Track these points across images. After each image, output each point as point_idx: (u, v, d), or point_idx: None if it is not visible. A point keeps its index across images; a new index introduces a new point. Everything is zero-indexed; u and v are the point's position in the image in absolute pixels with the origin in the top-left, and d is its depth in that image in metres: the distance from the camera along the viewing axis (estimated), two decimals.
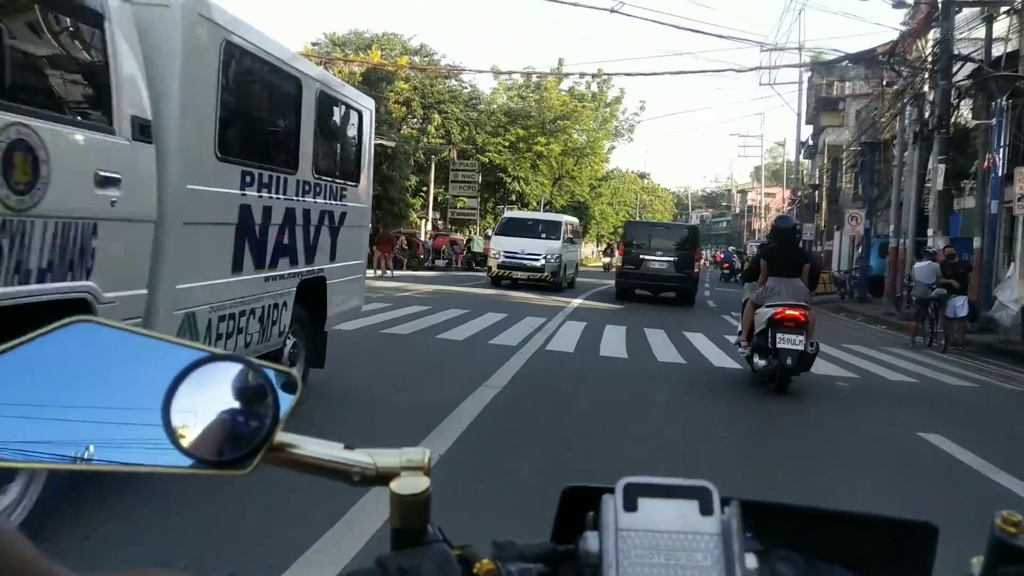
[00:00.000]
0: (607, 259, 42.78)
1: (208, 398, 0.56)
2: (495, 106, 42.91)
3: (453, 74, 40.17)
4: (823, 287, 24.99)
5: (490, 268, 23.10)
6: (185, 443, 0.55)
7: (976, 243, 17.29)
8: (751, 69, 36.55)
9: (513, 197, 41.36)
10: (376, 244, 25.82)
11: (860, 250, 24.95)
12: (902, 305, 18.88)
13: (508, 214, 27.90)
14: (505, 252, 22.24)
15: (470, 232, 40.51)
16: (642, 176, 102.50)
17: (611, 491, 0.55)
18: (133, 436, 0.56)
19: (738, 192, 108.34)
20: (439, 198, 40.40)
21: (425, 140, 38.53)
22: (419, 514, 0.58)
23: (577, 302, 18.13)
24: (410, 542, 0.57)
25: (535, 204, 43.93)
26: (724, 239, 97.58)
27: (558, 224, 23.70)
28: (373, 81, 36.42)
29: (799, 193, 50.22)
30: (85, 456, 0.55)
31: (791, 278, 7.64)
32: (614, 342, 11.02)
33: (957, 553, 0.63)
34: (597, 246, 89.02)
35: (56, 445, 0.55)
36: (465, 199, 40.44)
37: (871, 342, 13.73)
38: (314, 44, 36.94)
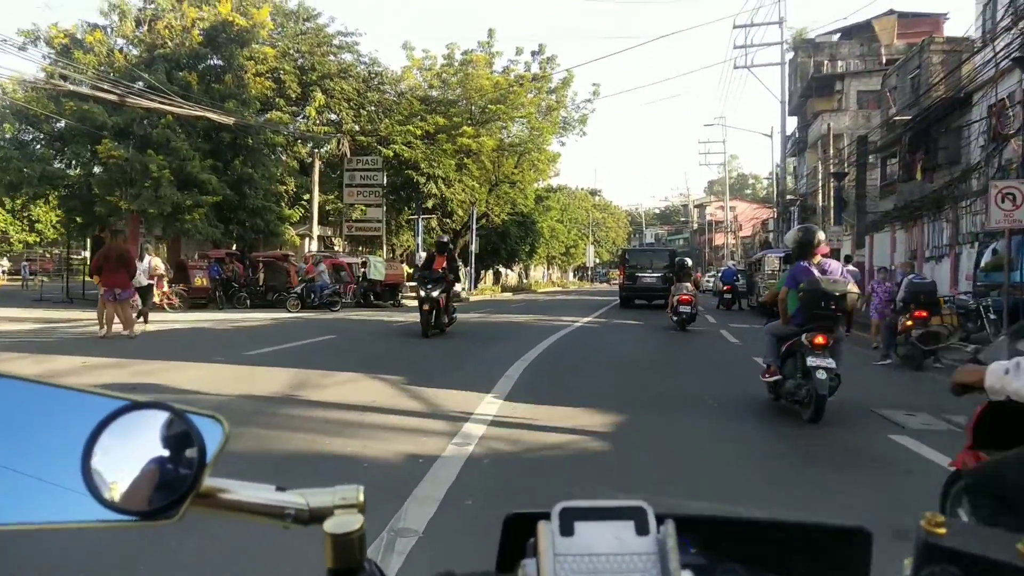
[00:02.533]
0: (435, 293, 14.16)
1: (132, 447, 0.54)
2: (404, 85, 31.50)
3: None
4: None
5: None
6: (109, 495, 0.53)
7: None
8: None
9: (429, 203, 29.73)
10: (106, 267, 12.13)
11: (979, 254, 14.00)
12: None
13: None
14: None
15: (368, 254, 28.83)
16: (593, 193, 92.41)
17: (549, 517, 0.53)
18: (54, 492, 0.52)
19: (695, 207, 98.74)
20: (328, 207, 28.78)
21: (303, 127, 26.92)
22: (354, 552, 0.56)
23: (488, 414, 6.65)
24: None
25: (461, 214, 32.42)
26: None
27: None
28: (221, 43, 24.80)
29: (792, 196, 39.78)
30: (7, 515, 0.52)
31: (684, 283, 16.11)
32: None
33: None
34: (547, 268, 77.88)
35: None
36: (364, 207, 28.83)
37: None
38: None
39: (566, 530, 0.52)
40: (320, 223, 29.69)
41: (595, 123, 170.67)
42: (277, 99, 26.63)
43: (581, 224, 77.95)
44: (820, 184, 34.43)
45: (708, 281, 39.44)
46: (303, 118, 27.11)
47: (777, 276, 23.29)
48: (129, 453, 0.53)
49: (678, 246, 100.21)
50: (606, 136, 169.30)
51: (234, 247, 26.65)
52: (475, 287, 38.47)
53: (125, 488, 0.53)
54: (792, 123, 45.26)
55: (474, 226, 34.58)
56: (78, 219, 23.72)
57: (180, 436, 0.54)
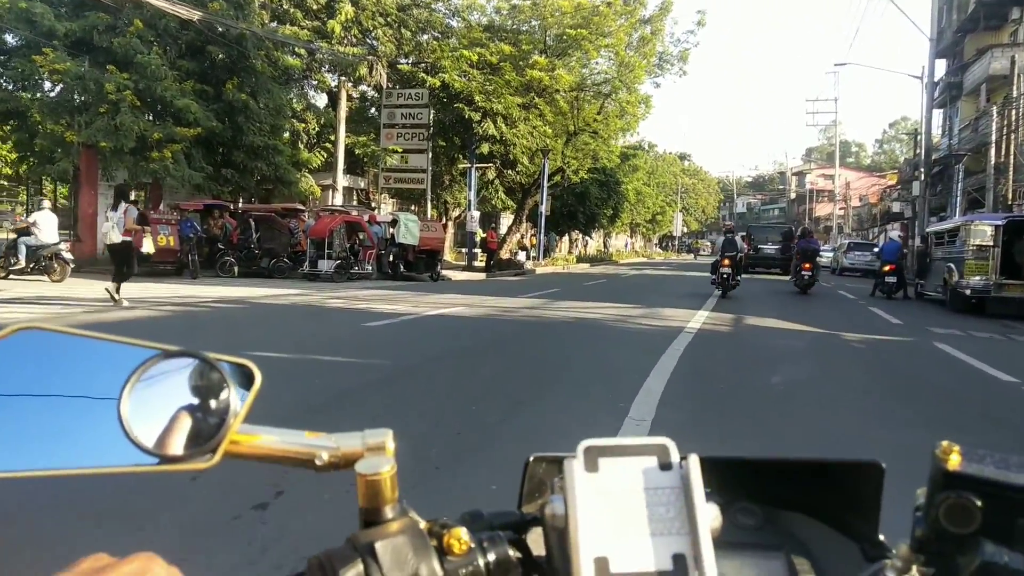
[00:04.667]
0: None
1: (166, 394, 0.55)
2: (460, 0, 24.62)
3: None
4: None
5: None
6: (146, 441, 0.53)
7: None
8: None
9: (485, 148, 22.86)
10: None
11: None
12: None
13: None
14: None
15: (400, 211, 22.34)
16: (682, 157, 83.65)
17: (573, 457, 0.54)
18: (93, 438, 0.53)
19: (793, 175, 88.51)
20: (357, 151, 22.37)
21: (326, 45, 20.47)
22: (386, 492, 0.56)
23: None
24: (378, 520, 0.56)
25: (527, 164, 25.47)
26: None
27: None
28: None
29: (952, 152, 31.17)
30: (47, 462, 0.53)
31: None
32: None
33: None
34: (631, 236, 70.03)
35: (15, 453, 0.52)
36: (401, 151, 22.27)
37: None
38: None
39: (591, 466, 0.52)
40: (352, 172, 23.36)
41: (692, 72, 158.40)
42: (293, 10, 20.23)
43: (669, 189, 69.78)
44: (994, 136, 25.98)
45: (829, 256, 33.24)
46: (328, 39, 20.67)
47: (989, 250, 15.82)
48: (163, 400, 0.53)
49: (772, 218, 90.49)
50: (701, 90, 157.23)
51: (240, 200, 20.69)
52: (545, 256, 31.63)
53: (160, 434, 0.53)
54: (940, 68, 36.14)
55: (545, 183, 27.66)
56: (31, 157, 18.06)
57: (213, 383, 0.54)
